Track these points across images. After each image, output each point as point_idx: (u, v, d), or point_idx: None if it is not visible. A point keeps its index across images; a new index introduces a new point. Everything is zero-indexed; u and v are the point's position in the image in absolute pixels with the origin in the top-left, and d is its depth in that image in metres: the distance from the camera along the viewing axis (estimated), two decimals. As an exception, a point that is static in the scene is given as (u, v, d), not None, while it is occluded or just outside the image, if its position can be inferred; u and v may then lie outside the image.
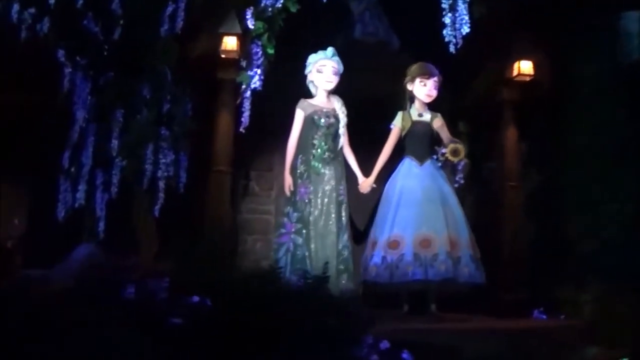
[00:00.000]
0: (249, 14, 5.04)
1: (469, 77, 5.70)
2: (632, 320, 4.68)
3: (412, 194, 5.00)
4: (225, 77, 5.20)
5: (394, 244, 4.91)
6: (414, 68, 5.20)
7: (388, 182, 5.18)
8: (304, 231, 4.94)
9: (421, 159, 5.12)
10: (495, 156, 5.67)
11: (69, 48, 5.22)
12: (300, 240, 4.92)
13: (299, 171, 5.09)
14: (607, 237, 5.19)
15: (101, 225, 5.20)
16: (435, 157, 5.07)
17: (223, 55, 5.10)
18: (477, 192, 5.82)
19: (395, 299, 5.08)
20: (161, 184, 5.16)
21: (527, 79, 5.40)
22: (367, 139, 5.40)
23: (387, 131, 5.44)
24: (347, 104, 5.24)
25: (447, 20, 5.01)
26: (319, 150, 5.09)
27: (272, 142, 5.84)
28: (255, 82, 5.07)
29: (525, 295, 5.38)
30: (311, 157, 5.08)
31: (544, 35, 5.37)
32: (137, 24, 5.19)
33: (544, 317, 5.21)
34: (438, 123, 5.19)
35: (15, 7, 5.01)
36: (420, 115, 5.20)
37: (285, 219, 5.03)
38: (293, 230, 4.96)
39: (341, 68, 5.25)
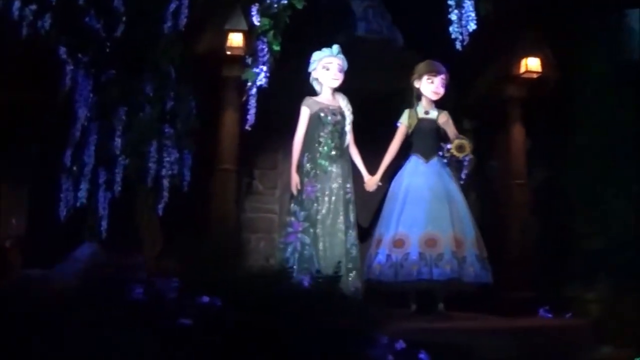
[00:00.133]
0: (254, 10, 4.97)
1: (473, 75, 5.67)
2: (639, 319, 4.67)
3: (419, 192, 4.97)
4: (231, 75, 5.14)
5: (399, 243, 4.88)
6: (421, 65, 5.18)
7: (394, 180, 5.15)
8: (311, 230, 4.89)
9: (427, 157, 5.09)
10: (500, 154, 5.64)
11: (71, 45, 5.13)
12: (307, 240, 4.87)
13: (305, 169, 5.04)
14: (614, 235, 5.17)
15: (103, 225, 5.13)
16: (441, 153, 5.04)
17: (228, 52, 5.04)
18: (479, 190, 5.79)
19: (399, 297, 5.04)
20: (165, 183, 5.10)
21: (534, 76, 5.38)
22: (369, 137, 5.36)
23: (390, 129, 5.41)
24: (351, 102, 5.22)
25: (453, 17, 4.98)
26: (325, 148, 5.05)
27: (275, 140, 5.79)
28: (261, 80, 5.00)
29: (531, 293, 5.35)
30: (317, 155, 5.04)
31: (549, 33, 5.35)
32: (140, 21, 5.12)
33: (549, 315, 5.19)
34: (443, 118, 5.17)
35: (17, 3, 4.92)
36: (426, 112, 5.18)
37: (292, 218, 4.98)
38: (300, 229, 4.91)
39: (346, 65, 5.22)
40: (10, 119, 5.52)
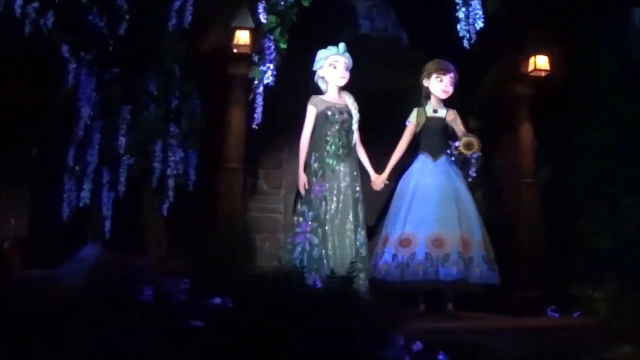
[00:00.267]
0: (261, 7, 4.91)
1: (480, 73, 5.63)
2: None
3: (427, 191, 4.95)
4: (237, 73, 5.08)
5: (405, 242, 4.86)
6: (430, 64, 5.17)
7: (402, 178, 5.13)
8: (319, 230, 4.84)
9: (435, 155, 5.07)
10: (506, 153, 5.60)
11: (74, 43, 5.06)
12: (316, 240, 4.82)
13: (313, 169, 5.00)
14: (622, 234, 5.14)
15: (107, 225, 5.06)
16: (449, 151, 5.01)
17: (235, 50, 4.97)
18: (485, 189, 5.76)
19: (405, 297, 5.00)
20: (170, 182, 5.03)
21: (543, 74, 5.34)
22: (372, 135, 5.32)
23: (393, 127, 5.41)
24: (355, 100, 5.19)
25: (460, 14, 4.95)
26: (333, 147, 5.00)
27: (280, 139, 5.74)
28: (268, 78, 4.95)
29: (539, 292, 5.32)
30: (325, 154, 5.00)
31: (557, 30, 5.31)
32: (144, 18, 5.05)
33: (556, 315, 5.16)
34: (451, 116, 5.15)
35: (19, 1, 4.84)
36: (435, 111, 5.17)
37: (300, 218, 4.93)
38: (309, 229, 4.86)
39: (351, 63, 5.18)
40: (11, 118, 5.45)
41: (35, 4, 4.90)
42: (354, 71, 5.18)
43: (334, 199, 4.91)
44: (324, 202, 4.90)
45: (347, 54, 5.15)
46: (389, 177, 5.21)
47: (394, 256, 4.86)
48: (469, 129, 5.43)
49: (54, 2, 4.92)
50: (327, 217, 4.87)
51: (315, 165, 4.99)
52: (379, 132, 5.38)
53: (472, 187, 5.12)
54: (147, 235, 5.21)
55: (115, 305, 3.63)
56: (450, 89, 5.13)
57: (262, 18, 4.92)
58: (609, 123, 5.29)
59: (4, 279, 5.28)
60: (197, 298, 3.71)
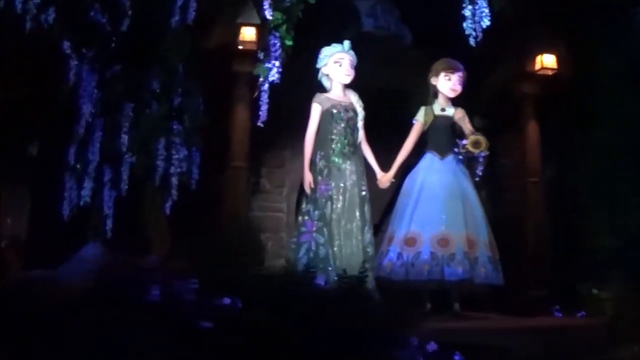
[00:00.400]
0: (266, 4, 4.85)
1: (485, 72, 5.60)
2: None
3: (433, 189, 4.91)
4: (242, 70, 5.01)
5: (410, 241, 4.82)
6: (439, 62, 5.13)
7: (408, 176, 5.09)
8: (325, 229, 4.78)
9: (443, 154, 5.04)
10: (513, 152, 5.57)
11: (75, 40, 4.99)
12: (322, 239, 4.76)
13: (318, 167, 4.94)
14: (629, 233, 5.12)
15: (108, 224, 4.99)
16: (456, 149, 4.98)
17: (240, 47, 4.91)
18: (490, 188, 5.73)
19: (410, 296, 4.96)
20: (173, 181, 4.97)
21: (550, 72, 5.32)
22: (374, 133, 5.27)
23: (396, 126, 5.39)
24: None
25: (467, 12, 4.93)
26: (338, 145, 4.95)
27: (283, 137, 5.69)
28: (274, 75, 4.89)
29: (543, 292, 5.31)
30: (331, 153, 4.94)
31: (564, 28, 5.29)
32: (147, 14, 4.98)
33: (560, 315, 5.17)
34: (459, 114, 5.10)
35: (20, -3, 4.78)
36: (443, 109, 5.14)
37: (306, 218, 4.87)
38: (314, 228, 4.79)
39: (355, 61, 5.13)
40: (11, 116, 5.38)
41: (36, 0, 4.82)
42: (356, 69, 5.13)
43: (340, 197, 4.86)
44: (329, 201, 4.84)
45: (352, 52, 5.11)
46: (394, 175, 5.16)
47: (399, 255, 4.82)
48: (474, 128, 5.39)
49: (55, -3, 4.86)
50: (334, 216, 4.81)
51: (321, 163, 4.94)
52: (381, 130, 5.33)
53: (477, 186, 5.09)
54: (150, 234, 5.15)
55: (122, 305, 3.57)
56: (459, 88, 5.10)
57: (268, 14, 4.86)
58: (615, 122, 5.27)
59: (2, 279, 5.22)
60: (206, 298, 3.66)
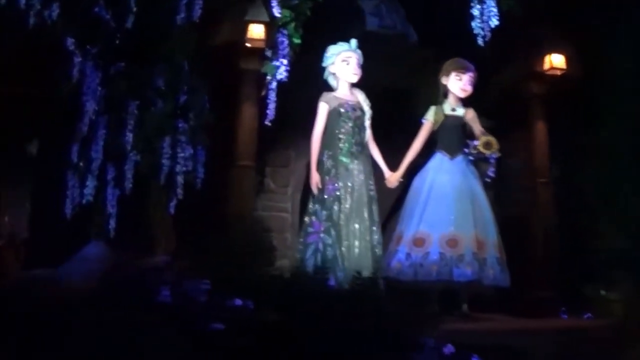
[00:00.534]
0: (275, 1, 4.81)
1: (492, 71, 5.56)
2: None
3: (443, 189, 4.88)
4: (249, 68, 4.95)
5: (419, 242, 4.79)
6: (449, 62, 5.10)
7: (417, 176, 5.06)
8: (333, 230, 4.74)
9: (453, 153, 5.00)
10: (520, 152, 5.53)
11: (79, 36, 4.91)
12: (329, 240, 4.72)
13: (325, 167, 4.90)
14: (637, 233, 5.09)
15: (111, 223, 4.93)
16: (466, 150, 4.95)
17: (248, 44, 4.84)
18: (497, 188, 5.69)
19: (418, 297, 4.92)
20: (179, 179, 4.91)
21: (559, 72, 5.29)
22: (379, 133, 5.22)
23: (401, 125, 5.37)
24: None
25: (475, 12, 4.91)
26: (346, 144, 4.91)
27: (287, 136, 5.62)
28: (282, 73, 4.85)
29: (550, 293, 5.28)
30: (338, 152, 4.90)
31: (572, 28, 5.26)
32: (152, 10, 4.92)
33: (565, 316, 5.16)
34: (470, 115, 5.09)
35: (22, -8, 4.70)
36: (453, 109, 5.10)
37: (313, 218, 4.82)
38: (322, 229, 4.76)
39: (362, 60, 5.09)
40: (13, 114, 5.30)
41: (39, -5, 4.75)
42: (361, 68, 5.09)
43: (348, 197, 4.82)
44: (337, 201, 4.80)
45: (359, 50, 5.07)
46: (402, 175, 5.12)
47: (408, 255, 4.78)
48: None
49: (58, -7, 4.79)
50: (342, 216, 4.77)
51: (329, 163, 4.89)
52: (385, 129, 5.28)
53: (485, 187, 5.05)
54: (155, 233, 5.08)
55: (131, 306, 3.52)
56: (470, 88, 5.07)
57: (276, 12, 4.82)
58: (623, 123, 5.24)
59: (1, 279, 5.15)
60: (217, 299, 3.61)
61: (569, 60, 5.29)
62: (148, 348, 3.28)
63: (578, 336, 4.40)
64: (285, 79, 4.89)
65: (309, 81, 5.15)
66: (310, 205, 4.92)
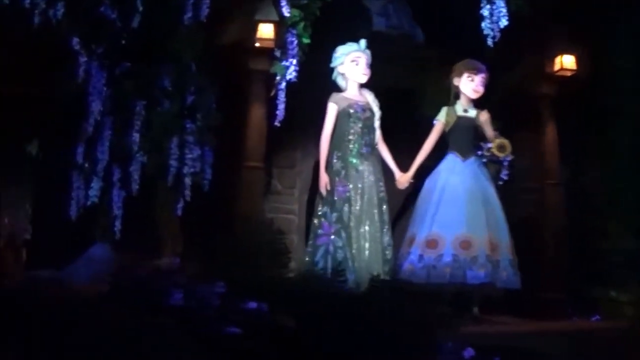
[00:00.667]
0: (284, 1, 4.76)
1: (501, 72, 5.52)
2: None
3: (455, 191, 4.85)
4: (258, 68, 4.89)
5: (432, 244, 4.76)
6: (461, 63, 5.07)
7: (429, 177, 5.03)
8: (343, 232, 4.70)
9: (465, 155, 4.98)
10: (529, 153, 5.49)
11: (85, 35, 4.86)
12: (340, 242, 4.68)
13: (335, 168, 4.85)
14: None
15: (117, 225, 4.88)
16: (480, 152, 4.92)
17: (257, 44, 4.79)
18: (506, 190, 5.66)
19: (431, 299, 4.88)
20: (186, 180, 4.87)
21: (569, 73, 5.26)
22: (386, 133, 5.18)
23: (408, 126, 5.38)
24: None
25: (485, 12, 4.88)
26: (356, 145, 4.87)
27: (294, 137, 5.57)
28: (291, 73, 4.80)
29: (561, 295, 5.24)
30: (348, 153, 4.85)
31: (582, 29, 5.24)
32: (159, 10, 4.87)
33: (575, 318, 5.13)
34: (484, 117, 5.07)
35: (27, -10, 4.64)
36: (465, 111, 5.07)
37: (323, 220, 4.78)
38: (332, 231, 4.71)
39: (370, 60, 5.05)
40: (18, 114, 5.24)
41: (44, -7, 4.69)
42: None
43: (358, 199, 4.78)
44: (347, 203, 4.76)
45: (368, 51, 5.03)
46: (413, 176, 5.10)
47: (420, 257, 4.76)
48: (490, 129, 5.35)
49: (63, -9, 4.73)
50: (352, 217, 4.73)
51: (338, 164, 4.85)
52: (392, 130, 5.24)
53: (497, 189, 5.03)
54: (162, 235, 5.04)
55: (142, 309, 3.47)
56: (481, 89, 5.04)
57: (286, 12, 4.77)
58: (632, 124, 5.23)
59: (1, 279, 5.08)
60: (231, 302, 3.56)
61: (578, 61, 5.25)
62: (159, 352, 3.22)
63: (589, 338, 4.38)
64: (295, 79, 4.82)
65: (316, 81, 5.09)
66: (320, 207, 4.86)
